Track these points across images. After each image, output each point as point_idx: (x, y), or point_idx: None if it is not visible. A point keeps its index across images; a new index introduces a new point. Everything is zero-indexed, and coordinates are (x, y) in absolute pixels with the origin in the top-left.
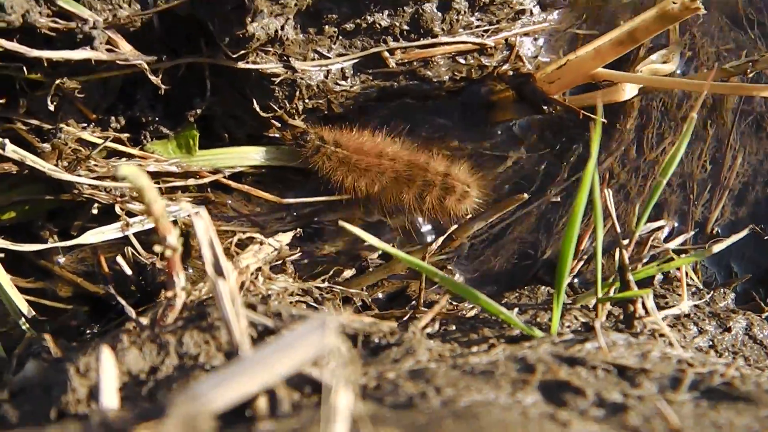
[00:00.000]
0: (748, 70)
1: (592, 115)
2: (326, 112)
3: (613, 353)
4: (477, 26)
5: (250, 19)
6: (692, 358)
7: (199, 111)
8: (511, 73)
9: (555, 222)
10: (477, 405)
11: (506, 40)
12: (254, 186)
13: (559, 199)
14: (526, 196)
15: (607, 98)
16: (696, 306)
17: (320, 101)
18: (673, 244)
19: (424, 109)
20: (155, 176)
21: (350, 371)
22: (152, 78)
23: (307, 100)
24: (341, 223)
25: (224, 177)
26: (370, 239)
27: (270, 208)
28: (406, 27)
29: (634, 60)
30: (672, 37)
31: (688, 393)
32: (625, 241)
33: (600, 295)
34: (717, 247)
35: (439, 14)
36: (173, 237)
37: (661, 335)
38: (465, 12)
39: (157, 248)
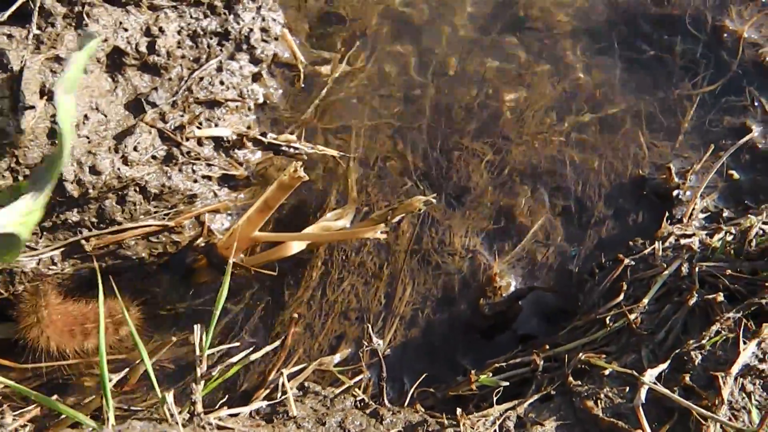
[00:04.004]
0: (389, 217)
1: (264, 271)
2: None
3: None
4: (155, 212)
5: None
6: None
7: None
8: (203, 244)
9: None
10: None
11: (197, 217)
12: None
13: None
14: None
15: (276, 255)
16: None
17: (38, 284)
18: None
19: (141, 280)
20: None
21: None
22: None
23: (27, 284)
24: None
25: None
26: None
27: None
28: (94, 219)
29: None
30: (350, 197)
31: None
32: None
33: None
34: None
35: (119, 207)
36: None
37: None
38: (141, 203)
39: None
